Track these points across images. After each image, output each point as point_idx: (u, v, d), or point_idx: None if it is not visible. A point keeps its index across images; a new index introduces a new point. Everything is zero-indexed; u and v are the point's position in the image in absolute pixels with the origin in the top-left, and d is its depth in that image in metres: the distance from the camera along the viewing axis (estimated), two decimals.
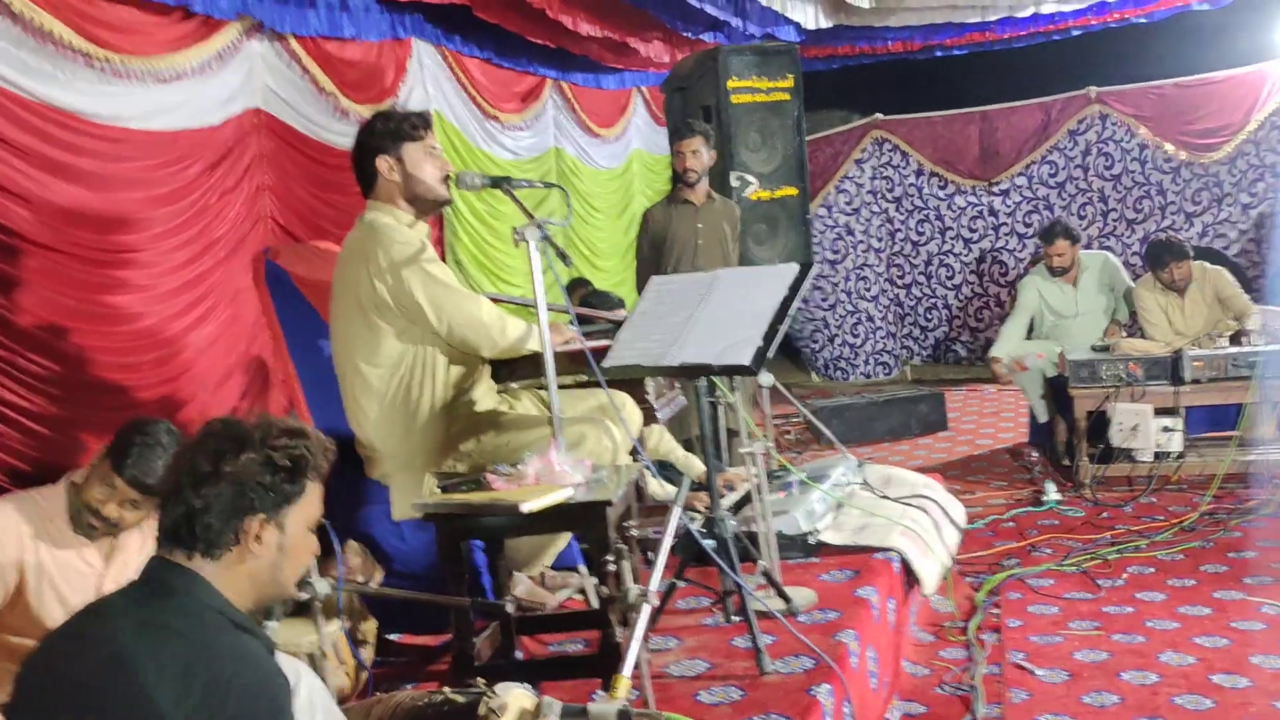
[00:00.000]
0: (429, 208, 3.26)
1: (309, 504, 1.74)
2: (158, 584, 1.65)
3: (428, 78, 5.97)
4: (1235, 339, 5.33)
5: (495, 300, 3.47)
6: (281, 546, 1.71)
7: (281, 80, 4.81)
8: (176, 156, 4.20)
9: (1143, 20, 8.73)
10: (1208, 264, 6.02)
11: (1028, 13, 8.29)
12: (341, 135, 5.03)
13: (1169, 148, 8.31)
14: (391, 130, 3.18)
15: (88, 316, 3.74)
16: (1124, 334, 5.96)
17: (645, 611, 2.23)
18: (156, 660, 1.54)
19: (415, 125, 3.19)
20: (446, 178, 3.22)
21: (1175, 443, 5.29)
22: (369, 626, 3.06)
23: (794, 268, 3.09)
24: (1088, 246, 6.54)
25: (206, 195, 4.33)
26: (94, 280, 3.79)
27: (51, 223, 3.59)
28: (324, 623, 2.41)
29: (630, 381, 3.50)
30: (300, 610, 2.46)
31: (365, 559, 3.09)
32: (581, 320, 4.41)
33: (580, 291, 5.88)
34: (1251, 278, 7.94)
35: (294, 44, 4.84)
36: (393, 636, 3.45)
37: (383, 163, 3.17)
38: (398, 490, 3.23)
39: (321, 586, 2.28)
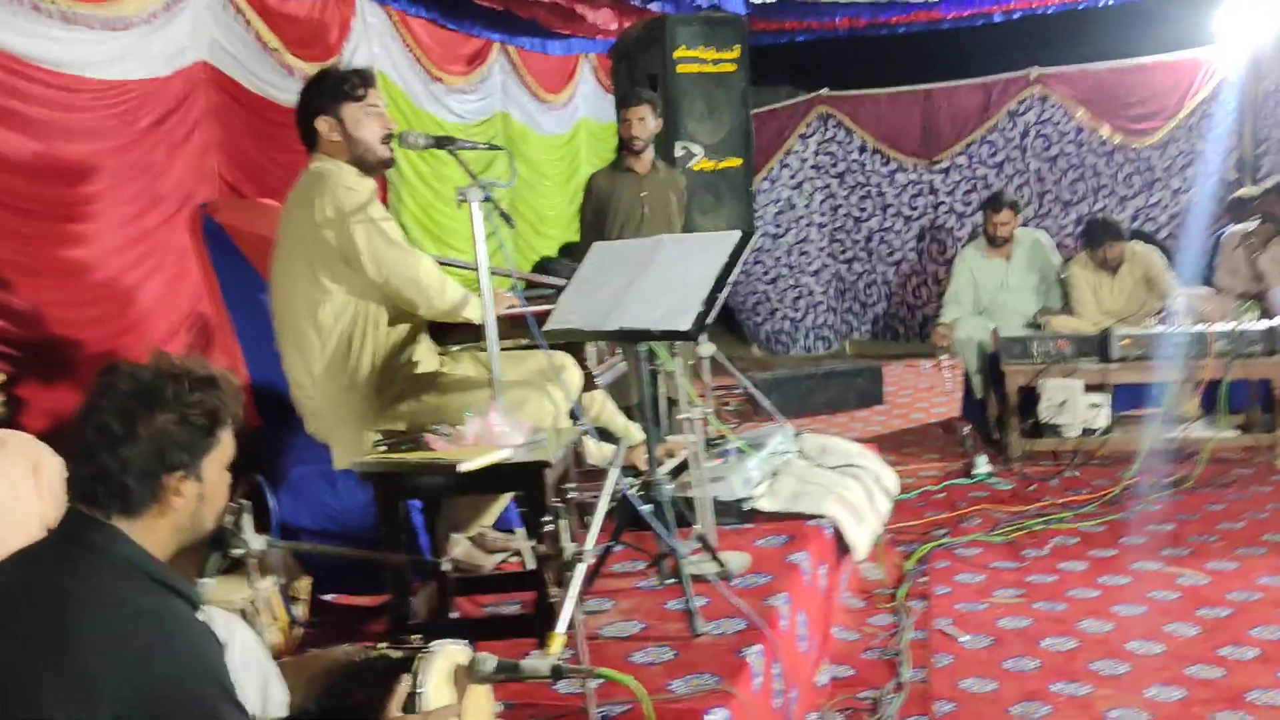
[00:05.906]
0: (372, 168, 3.22)
1: (224, 449, 1.74)
2: (79, 539, 1.63)
3: (372, 37, 5.89)
4: (1161, 319, 5.47)
5: (441, 264, 3.44)
6: (201, 495, 1.71)
7: (228, 33, 4.72)
8: (127, 108, 4.11)
9: (1084, 4, 8.87)
10: (1139, 245, 6.17)
11: None
12: (287, 92, 4.95)
13: (1105, 131, 8.46)
14: (330, 90, 3.15)
15: (32, 271, 3.65)
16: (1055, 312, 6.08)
17: (580, 570, 2.25)
18: (90, 625, 1.52)
19: (355, 85, 3.15)
20: (390, 136, 3.19)
21: (1101, 419, 5.43)
22: (303, 584, 3.05)
23: (735, 235, 3.10)
24: (1024, 225, 6.64)
25: (154, 149, 4.24)
26: (38, 233, 3.70)
27: None
28: (258, 578, 2.41)
29: (571, 345, 3.51)
30: (234, 566, 2.45)
31: (290, 563, 3.06)
32: (527, 286, 4.41)
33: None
34: (1180, 262, 8.14)
35: None
36: (329, 597, 3.44)
37: (323, 123, 3.15)
38: (338, 444, 3.22)
39: (256, 542, 2.28)
